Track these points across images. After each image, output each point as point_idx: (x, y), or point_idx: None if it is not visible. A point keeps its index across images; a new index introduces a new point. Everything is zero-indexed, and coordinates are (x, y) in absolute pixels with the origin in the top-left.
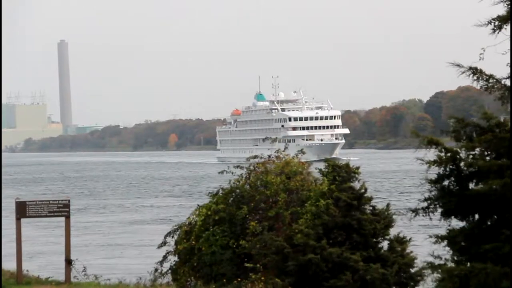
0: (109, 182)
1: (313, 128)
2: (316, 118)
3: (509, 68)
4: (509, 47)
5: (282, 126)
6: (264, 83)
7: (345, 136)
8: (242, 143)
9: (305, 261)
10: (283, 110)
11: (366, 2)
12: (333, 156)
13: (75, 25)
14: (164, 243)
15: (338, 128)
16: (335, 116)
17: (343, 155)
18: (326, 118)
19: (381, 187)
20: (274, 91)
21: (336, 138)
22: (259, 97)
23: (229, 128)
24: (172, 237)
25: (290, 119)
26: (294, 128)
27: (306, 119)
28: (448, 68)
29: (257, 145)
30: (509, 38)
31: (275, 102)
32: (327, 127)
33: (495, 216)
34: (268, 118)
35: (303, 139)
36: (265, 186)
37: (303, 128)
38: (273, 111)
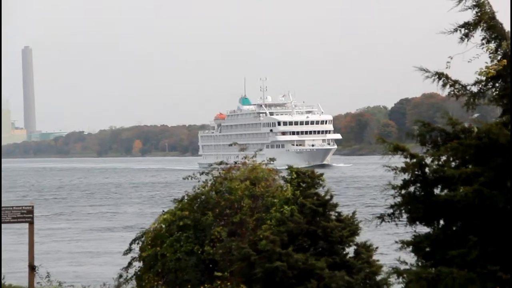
0: (76, 188)
1: (304, 133)
2: (307, 123)
3: (476, 76)
4: (478, 52)
5: (271, 130)
6: (237, 87)
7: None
8: (227, 148)
9: (272, 268)
10: (271, 114)
11: (331, 11)
12: (325, 162)
13: (39, 33)
14: (129, 250)
15: (329, 133)
16: (326, 121)
17: (334, 161)
18: (317, 122)
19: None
20: (262, 94)
21: (328, 144)
22: (244, 101)
23: (212, 133)
24: (138, 243)
25: (279, 124)
26: (284, 133)
27: (296, 123)
28: (413, 75)
29: (243, 151)
30: (478, 45)
31: (262, 106)
32: (318, 132)
33: (461, 222)
34: (255, 123)
35: (293, 144)
36: (230, 192)
37: (293, 133)
38: (261, 115)
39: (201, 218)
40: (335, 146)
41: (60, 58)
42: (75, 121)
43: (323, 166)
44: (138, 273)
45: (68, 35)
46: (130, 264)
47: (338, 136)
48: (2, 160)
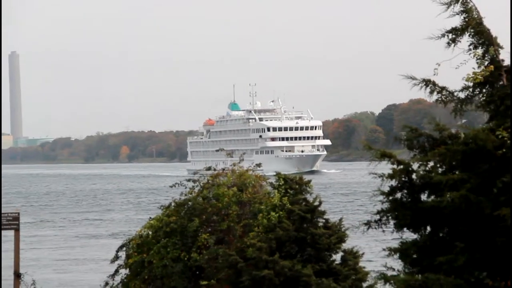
0: (62, 195)
1: (293, 139)
2: (296, 129)
3: (464, 82)
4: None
5: (260, 136)
6: (218, 92)
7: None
8: (216, 154)
9: (259, 276)
10: (260, 119)
11: (320, 16)
12: (314, 168)
13: (29, 38)
14: (116, 257)
15: (319, 139)
16: (316, 127)
17: (323, 168)
18: (307, 128)
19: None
20: (252, 99)
21: (317, 150)
22: (234, 106)
23: (201, 139)
24: (124, 250)
25: (268, 129)
26: (273, 139)
27: (285, 129)
28: (400, 81)
29: (232, 157)
30: (465, 51)
31: (252, 112)
32: (308, 138)
33: (447, 229)
34: (244, 128)
35: (283, 150)
36: (217, 199)
37: (283, 139)
38: (250, 120)
39: (188, 224)
40: (325, 152)
41: (49, 63)
42: (62, 127)
43: (312, 172)
44: (125, 280)
45: (60, 38)
46: (116, 271)
47: (327, 142)
48: None
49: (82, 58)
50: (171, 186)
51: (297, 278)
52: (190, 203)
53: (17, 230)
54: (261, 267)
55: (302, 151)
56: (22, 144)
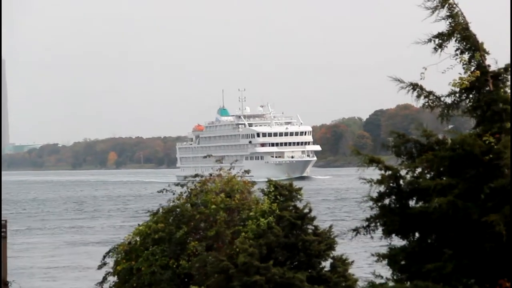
0: (50, 202)
1: (283, 144)
2: (286, 134)
3: (450, 87)
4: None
5: (250, 142)
6: (209, 99)
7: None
8: (205, 160)
9: (250, 282)
10: (250, 125)
11: (313, 21)
12: (304, 174)
13: (26, 38)
14: (104, 264)
15: (309, 144)
16: (305, 132)
17: (312, 173)
18: (297, 134)
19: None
20: (241, 105)
21: (307, 155)
22: (223, 112)
23: (191, 144)
24: (112, 257)
25: (258, 135)
26: (263, 145)
27: (275, 135)
28: (387, 86)
29: (222, 163)
30: (451, 56)
31: (241, 117)
32: (298, 143)
33: (435, 235)
34: (234, 134)
35: (272, 156)
36: (205, 205)
37: (272, 145)
38: (240, 126)
39: (176, 232)
40: (315, 158)
41: (32, 69)
42: (49, 133)
43: (302, 178)
44: (113, 287)
45: (60, 38)
46: (104, 278)
47: (317, 147)
48: None
49: (81, 58)
50: (159, 192)
51: (288, 284)
52: (178, 209)
53: (4, 238)
54: (252, 273)
55: (292, 157)
56: (9, 150)
